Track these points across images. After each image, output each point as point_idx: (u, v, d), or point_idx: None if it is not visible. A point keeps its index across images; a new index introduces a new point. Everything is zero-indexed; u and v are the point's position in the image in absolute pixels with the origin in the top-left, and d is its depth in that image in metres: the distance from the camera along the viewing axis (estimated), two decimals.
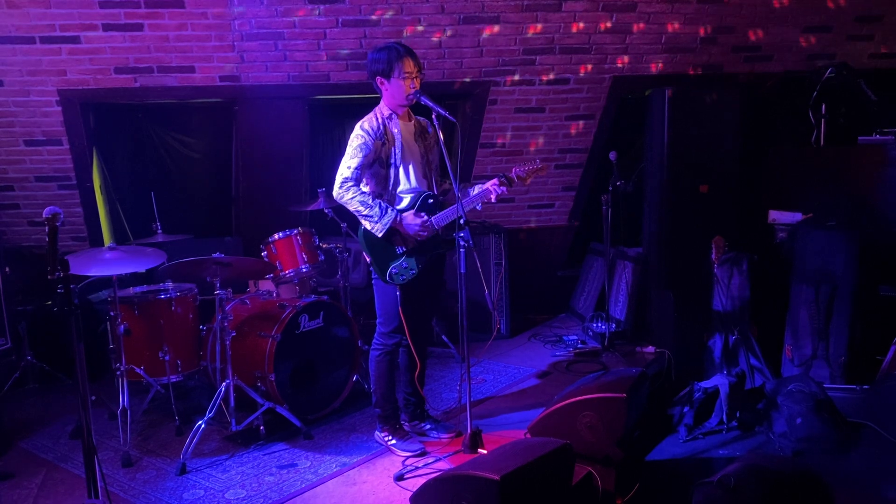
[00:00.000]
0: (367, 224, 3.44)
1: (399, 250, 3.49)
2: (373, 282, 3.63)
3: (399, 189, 3.54)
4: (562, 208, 6.21)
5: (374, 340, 3.69)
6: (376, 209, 3.39)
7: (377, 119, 3.48)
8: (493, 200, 3.53)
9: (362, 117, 3.51)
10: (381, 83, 3.46)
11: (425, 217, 3.46)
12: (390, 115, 3.51)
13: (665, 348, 4.57)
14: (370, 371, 3.73)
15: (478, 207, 3.58)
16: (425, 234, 3.48)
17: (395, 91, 3.44)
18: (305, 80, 5.09)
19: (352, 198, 3.40)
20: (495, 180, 3.49)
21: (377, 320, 3.66)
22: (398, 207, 3.51)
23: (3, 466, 3.64)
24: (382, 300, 3.61)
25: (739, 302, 4.33)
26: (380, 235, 3.42)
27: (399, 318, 3.53)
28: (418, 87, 3.43)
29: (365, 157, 3.42)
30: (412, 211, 3.47)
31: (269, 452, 3.75)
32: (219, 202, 5.86)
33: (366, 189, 3.48)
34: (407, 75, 3.40)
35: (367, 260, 3.58)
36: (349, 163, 3.42)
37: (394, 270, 3.49)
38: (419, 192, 3.55)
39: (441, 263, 3.75)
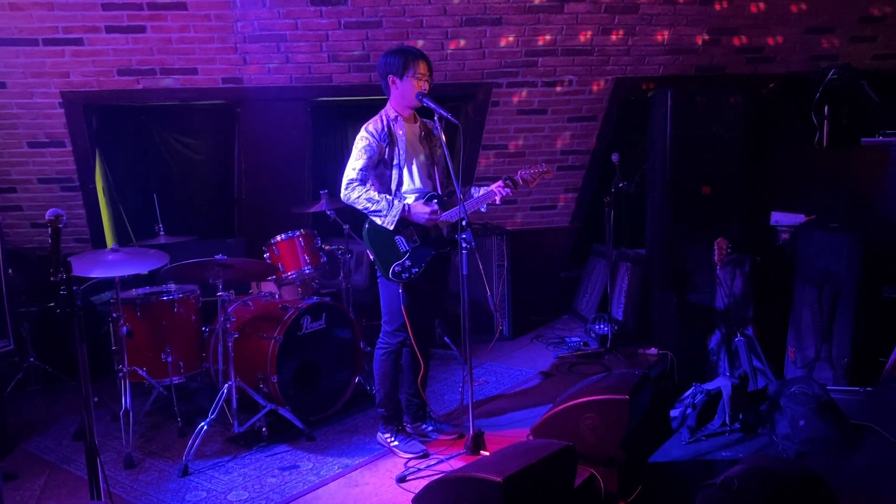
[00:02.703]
0: (377, 220, 3.47)
1: (402, 248, 3.51)
2: (378, 280, 3.64)
3: (403, 189, 3.56)
4: (564, 210, 6.21)
5: (379, 339, 3.71)
6: (383, 202, 3.42)
7: (382, 121, 3.52)
8: (497, 202, 3.56)
9: (364, 119, 3.55)
10: (393, 82, 3.49)
11: (435, 205, 3.49)
12: (396, 116, 3.55)
13: (667, 350, 4.57)
14: (374, 370, 3.73)
15: (482, 209, 3.59)
16: (435, 220, 3.49)
17: (405, 90, 3.47)
18: (308, 81, 5.09)
19: (358, 196, 3.44)
20: (500, 182, 3.52)
21: (382, 319, 3.68)
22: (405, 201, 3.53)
23: (6, 468, 3.64)
24: (387, 298, 3.63)
25: (742, 303, 4.32)
26: (391, 228, 3.45)
27: (403, 316, 3.54)
28: (427, 90, 3.46)
29: (369, 158, 3.46)
30: (421, 200, 3.49)
31: (271, 454, 3.75)
32: (221, 204, 5.87)
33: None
34: (420, 76, 3.45)
35: (371, 258, 3.60)
36: (354, 164, 3.47)
37: (397, 268, 3.51)
38: (424, 192, 3.57)
39: (445, 264, 3.76)
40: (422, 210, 3.48)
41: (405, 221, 3.47)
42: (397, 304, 3.56)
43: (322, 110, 5.62)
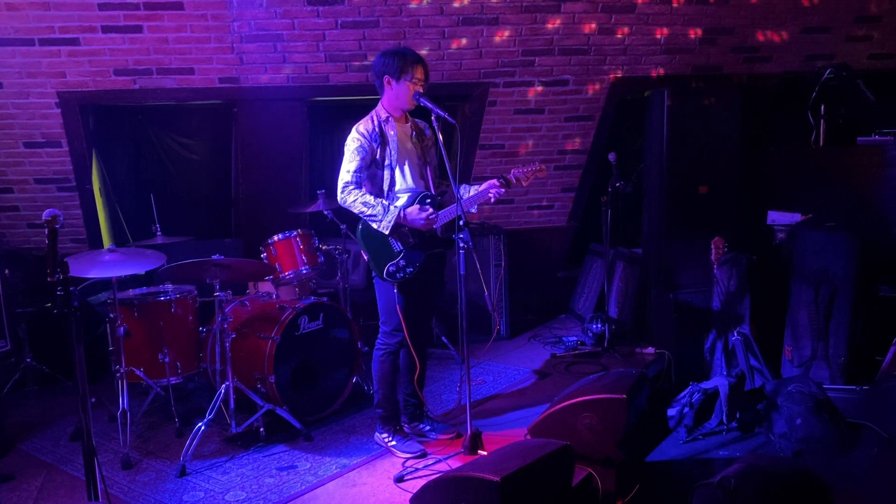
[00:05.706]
0: (372, 224, 3.47)
1: (396, 248, 3.51)
2: (374, 281, 3.64)
3: (396, 189, 3.56)
4: (561, 209, 6.21)
5: (377, 340, 3.70)
6: (378, 208, 3.42)
7: (373, 122, 3.52)
8: (491, 201, 3.56)
9: (361, 119, 3.54)
10: (389, 82, 3.49)
11: (430, 210, 3.47)
12: (387, 117, 3.55)
13: (665, 349, 4.57)
14: (373, 371, 3.73)
15: (472, 210, 3.58)
16: (432, 222, 3.47)
17: (400, 92, 3.47)
18: (305, 81, 5.09)
19: (354, 200, 3.44)
20: (494, 181, 3.52)
21: (380, 319, 3.68)
22: (396, 204, 3.52)
23: (3, 468, 3.64)
24: (383, 299, 3.63)
25: (739, 303, 4.32)
26: (386, 233, 3.45)
27: (399, 316, 3.54)
28: (422, 93, 3.47)
29: (362, 159, 3.46)
30: (417, 206, 3.48)
31: (268, 454, 3.75)
32: (218, 204, 5.86)
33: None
34: (417, 81, 3.45)
35: (365, 258, 3.61)
36: (348, 166, 3.47)
37: (391, 268, 3.51)
38: (417, 192, 3.56)
39: (440, 264, 3.76)
40: (418, 216, 3.45)
41: (400, 226, 3.46)
42: (393, 304, 3.56)
43: (319, 110, 5.62)
